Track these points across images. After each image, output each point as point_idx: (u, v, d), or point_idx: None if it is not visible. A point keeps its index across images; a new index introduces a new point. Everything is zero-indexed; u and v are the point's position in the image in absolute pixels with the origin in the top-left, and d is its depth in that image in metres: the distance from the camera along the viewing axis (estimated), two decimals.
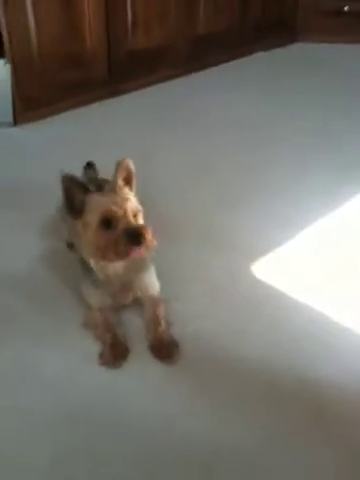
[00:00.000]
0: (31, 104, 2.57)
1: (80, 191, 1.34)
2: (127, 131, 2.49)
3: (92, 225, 1.32)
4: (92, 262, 1.40)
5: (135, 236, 1.28)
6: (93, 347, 1.43)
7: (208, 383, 1.37)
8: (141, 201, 1.42)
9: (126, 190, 1.38)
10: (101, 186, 1.65)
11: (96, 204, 1.34)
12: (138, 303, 1.52)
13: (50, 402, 1.31)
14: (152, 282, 1.50)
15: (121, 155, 1.48)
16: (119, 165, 1.39)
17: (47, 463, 1.19)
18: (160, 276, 1.55)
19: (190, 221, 1.93)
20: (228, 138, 2.46)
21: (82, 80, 2.69)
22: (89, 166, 1.97)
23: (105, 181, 1.71)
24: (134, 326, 1.50)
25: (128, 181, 1.41)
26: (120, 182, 1.39)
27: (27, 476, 1.17)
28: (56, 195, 1.76)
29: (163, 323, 1.46)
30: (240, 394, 1.34)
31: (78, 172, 1.92)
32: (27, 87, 2.53)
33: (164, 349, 1.40)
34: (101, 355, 1.40)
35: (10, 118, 2.53)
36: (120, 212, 1.30)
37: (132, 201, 1.36)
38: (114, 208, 1.31)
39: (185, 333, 1.47)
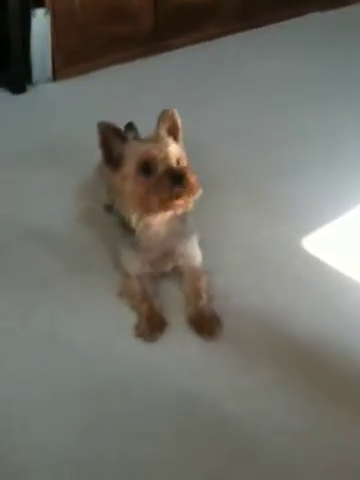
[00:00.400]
0: (71, 59, 2.39)
1: (118, 139, 1.23)
2: (172, 90, 2.33)
3: (131, 173, 1.21)
4: (133, 221, 1.26)
5: (177, 177, 1.17)
6: (129, 317, 1.34)
7: (251, 362, 1.26)
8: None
9: (170, 140, 1.26)
10: None
11: (135, 150, 1.22)
12: (177, 272, 1.42)
13: (80, 372, 1.24)
14: (194, 251, 1.39)
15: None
16: (163, 115, 1.27)
17: (73, 436, 1.12)
18: (202, 244, 1.43)
19: (236, 185, 1.79)
20: (279, 100, 2.28)
21: (126, 34, 2.51)
22: (129, 127, 1.85)
23: None
24: (172, 297, 1.40)
25: (172, 133, 1.28)
26: (163, 132, 1.26)
27: (52, 448, 1.10)
28: (95, 155, 1.68)
29: (204, 296, 1.35)
30: (286, 374, 1.24)
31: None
32: (68, 40, 2.36)
33: (205, 324, 1.30)
34: (137, 326, 1.31)
35: (49, 73, 2.40)
36: (160, 155, 1.18)
37: (175, 147, 1.24)
38: (154, 151, 1.19)
39: (228, 308, 1.37)
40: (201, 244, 1.43)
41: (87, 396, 1.19)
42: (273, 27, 2.90)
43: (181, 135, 1.30)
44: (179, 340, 1.30)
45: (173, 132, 1.29)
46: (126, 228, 1.32)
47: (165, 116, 1.27)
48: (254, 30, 2.86)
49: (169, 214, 1.26)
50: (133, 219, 1.27)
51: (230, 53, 2.67)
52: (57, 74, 2.44)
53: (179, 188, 1.17)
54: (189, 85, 2.40)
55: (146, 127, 1.78)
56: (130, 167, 1.22)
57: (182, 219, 1.32)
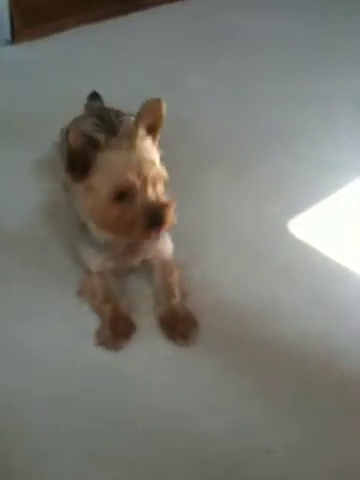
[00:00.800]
0: (32, 18, 2.21)
1: (91, 149, 1.05)
2: (148, 52, 2.11)
3: (101, 194, 1.06)
4: (93, 229, 1.14)
5: (156, 217, 1.05)
6: (90, 320, 1.17)
7: (229, 368, 1.11)
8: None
9: (148, 143, 1.08)
10: (110, 123, 1.36)
11: (109, 167, 1.06)
12: (147, 266, 1.25)
13: (36, 382, 1.08)
14: (164, 244, 1.22)
15: (139, 80, 1.16)
16: (144, 108, 1.07)
17: (28, 457, 0.97)
18: (176, 231, 1.24)
19: (216, 161, 1.60)
20: (269, 62, 2.06)
21: None
22: (94, 97, 1.66)
23: (117, 114, 1.41)
24: (142, 295, 1.23)
25: (153, 129, 1.10)
26: (142, 132, 1.08)
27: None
28: (56, 128, 1.50)
29: (177, 293, 1.19)
30: (269, 384, 1.09)
31: (81, 102, 1.62)
32: None
33: (177, 326, 1.14)
34: (99, 332, 1.14)
35: (7, 35, 2.17)
36: (138, 183, 1.04)
37: (154, 164, 1.07)
38: (131, 178, 1.03)
39: (205, 304, 1.21)
40: (175, 231, 1.24)
41: (44, 410, 1.04)
42: None
43: (159, 135, 1.13)
44: (148, 346, 1.13)
45: (153, 128, 1.10)
46: (83, 227, 1.16)
47: (146, 109, 1.08)
48: None
49: None
50: (92, 228, 1.13)
51: (215, 12, 2.42)
52: (16, 36, 2.21)
53: (156, 227, 1.06)
54: (166, 48, 2.16)
55: (116, 96, 1.60)
56: (100, 185, 1.06)
57: None
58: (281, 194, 1.51)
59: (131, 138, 1.08)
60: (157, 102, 1.08)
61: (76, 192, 1.13)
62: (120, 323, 1.14)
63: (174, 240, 1.25)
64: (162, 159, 1.41)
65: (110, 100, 1.60)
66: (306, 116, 1.80)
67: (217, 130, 1.72)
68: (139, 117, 1.08)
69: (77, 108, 1.57)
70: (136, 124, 1.08)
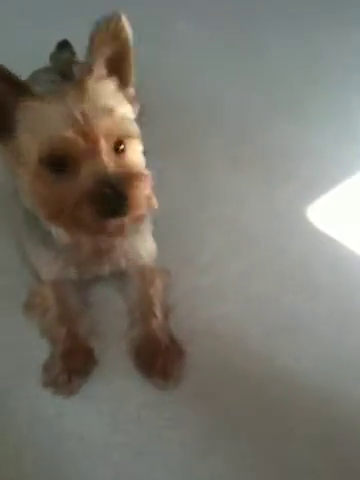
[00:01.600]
0: None
1: (12, 92, 0.68)
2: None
3: (29, 162, 0.68)
4: (43, 220, 0.78)
5: (113, 197, 0.65)
6: (37, 348, 0.85)
7: (219, 428, 0.80)
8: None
9: (108, 87, 0.72)
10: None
11: (37, 120, 0.68)
12: (119, 273, 0.91)
13: None
14: (145, 246, 0.89)
15: None
16: (99, 29, 0.69)
17: None
18: (161, 226, 0.94)
19: (215, 131, 1.26)
20: (285, 16, 1.67)
21: None
22: (63, 46, 1.29)
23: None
24: (110, 312, 0.90)
25: (117, 66, 0.72)
26: (99, 68, 0.71)
27: None
28: None
29: (158, 310, 0.87)
30: (268, 450, 0.79)
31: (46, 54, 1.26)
32: None
33: (157, 359, 0.83)
34: (47, 367, 0.83)
35: None
36: (82, 142, 0.65)
37: (112, 113, 0.69)
38: (70, 134, 0.65)
39: (194, 327, 0.90)
40: (160, 226, 0.93)
41: None
42: None
43: (131, 69, 0.74)
44: (114, 389, 0.82)
45: (118, 64, 0.72)
46: (33, 218, 0.79)
47: (103, 30, 0.69)
48: None
49: None
50: (42, 219, 0.77)
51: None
52: None
53: (116, 218, 0.67)
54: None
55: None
56: (28, 151, 0.68)
57: None
58: (291, 176, 1.17)
59: (80, 76, 0.72)
60: (117, 19, 0.69)
61: (4, 161, 0.74)
62: (77, 354, 0.82)
63: (157, 235, 0.93)
64: (141, 123, 1.08)
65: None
66: (324, 83, 1.43)
67: (213, 95, 1.35)
68: (91, 43, 0.69)
69: (43, 61, 1.22)
70: (89, 51, 0.71)
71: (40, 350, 0.84)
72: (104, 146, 0.66)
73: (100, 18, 0.69)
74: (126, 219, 0.68)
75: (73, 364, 0.81)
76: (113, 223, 0.67)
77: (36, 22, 1.57)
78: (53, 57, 1.28)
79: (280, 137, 1.24)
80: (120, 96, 0.73)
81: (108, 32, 0.69)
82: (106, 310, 0.90)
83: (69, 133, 0.65)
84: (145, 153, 1.11)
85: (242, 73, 1.43)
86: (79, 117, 0.65)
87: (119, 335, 0.87)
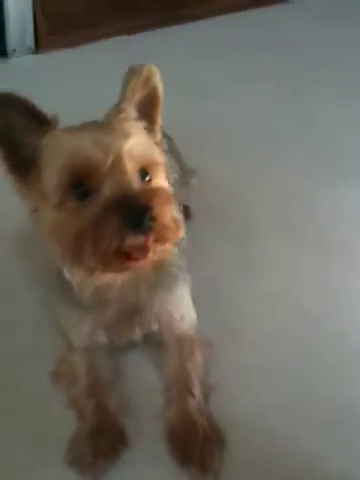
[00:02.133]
0: (59, 26, 1.95)
1: (31, 124, 0.67)
2: (185, 68, 1.79)
3: (52, 193, 0.65)
4: (64, 270, 0.73)
5: (136, 213, 0.61)
6: (61, 423, 0.77)
7: None
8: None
9: (134, 123, 0.70)
10: None
11: (60, 150, 0.65)
12: (154, 341, 0.84)
13: None
14: (180, 308, 0.82)
15: (171, 97, 0.81)
16: (130, 75, 0.70)
17: None
18: (204, 294, 0.88)
19: (268, 195, 1.21)
20: (328, 75, 1.69)
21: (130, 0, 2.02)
22: None
23: None
24: (144, 386, 0.82)
25: (147, 112, 0.72)
26: (130, 111, 0.70)
27: None
28: None
29: (197, 390, 0.78)
30: None
31: None
32: (55, 2, 1.90)
33: (194, 446, 0.72)
34: (72, 443, 0.74)
35: (31, 42, 1.92)
36: (107, 162, 0.63)
37: (139, 140, 0.67)
38: (95, 153, 0.63)
39: (236, 415, 0.79)
40: (203, 296, 0.87)
41: None
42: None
43: (159, 111, 0.74)
44: (144, 476, 0.72)
45: (148, 111, 0.73)
46: (60, 274, 0.75)
47: (134, 77, 0.70)
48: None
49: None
50: (63, 268, 0.72)
51: (262, 24, 2.09)
52: (41, 43, 1.94)
53: (139, 233, 0.62)
54: (202, 64, 1.83)
55: None
56: (50, 180, 0.66)
57: None
58: (352, 246, 1.09)
59: (109, 114, 0.71)
60: (148, 68, 0.70)
61: (28, 203, 0.71)
62: (105, 432, 0.74)
63: (198, 305, 0.86)
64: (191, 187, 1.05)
65: None
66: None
67: (263, 157, 1.33)
68: (124, 88, 0.70)
69: None
70: (121, 98, 0.70)
71: (67, 424, 0.76)
72: (129, 167, 0.64)
73: (133, 65, 0.71)
74: (150, 238, 0.62)
75: (100, 443, 0.72)
76: (136, 241, 0.61)
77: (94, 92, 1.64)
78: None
79: (336, 202, 1.18)
80: (147, 135, 0.71)
81: (140, 78, 0.69)
82: (140, 384, 0.82)
83: (93, 151, 0.63)
84: (191, 216, 1.08)
85: (294, 131, 1.43)
86: (104, 139, 0.64)
87: (153, 414, 0.77)
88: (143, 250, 0.63)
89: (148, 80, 0.70)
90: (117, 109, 0.70)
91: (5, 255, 1.05)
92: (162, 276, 0.77)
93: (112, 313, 0.76)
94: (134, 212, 0.60)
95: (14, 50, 1.89)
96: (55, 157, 0.66)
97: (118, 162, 0.63)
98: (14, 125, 0.66)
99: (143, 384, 0.82)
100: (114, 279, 0.72)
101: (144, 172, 0.66)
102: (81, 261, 0.64)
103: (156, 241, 0.63)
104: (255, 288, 1.00)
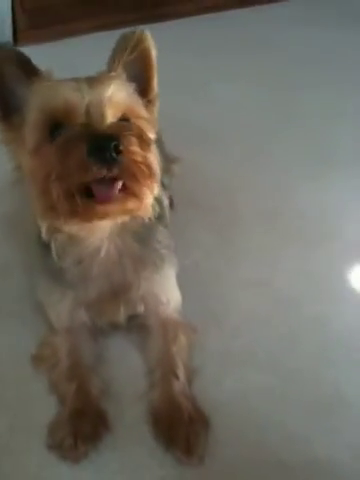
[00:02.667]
0: (40, 19, 1.94)
1: (20, 74, 0.66)
2: (169, 64, 1.79)
3: (32, 137, 0.65)
4: (42, 228, 0.71)
5: (101, 143, 0.59)
6: (43, 405, 0.75)
7: None
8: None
9: (119, 80, 0.68)
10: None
11: (41, 92, 0.66)
12: (137, 324, 0.83)
13: None
14: (168, 290, 0.82)
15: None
16: (123, 39, 0.69)
17: None
18: (189, 280, 0.87)
19: (253, 185, 1.22)
20: (311, 74, 1.72)
21: None
22: None
23: None
24: (127, 369, 0.81)
25: (142, 75, 0.71)
26: (117, 68, 0.69)
27: None
28: None
29: (181, 372, 0.77)
30: None
31: None
32: None
33: (180, 429, 0.71)
34: (52, 428, 0.72)
35: (8, 36, 1.89)
36: (82, 103, 0.62)
37: (121, 90, 0.66)
38: (71, 95, 0.63)
39: (220, 398, 0.78)
40: (187, 282, 0.86)
41: None
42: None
43: (155, 83, 0.72)
44: (128, 460, 0.70)
45: (142, 75, 0.71)
46: (45, 250, 0.74)
47: (126, 41, 0.69)
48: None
49: (110, 221, 0.68)
50: (42, 227, 0.70)
51: (246, 23, 2.12)
52: (19, 37, 1.93)
53: (102, 165, 0.59)
54: (190, 59, 1.84)
55: None
56: (31, 126, 0.66)
57: (146, 230, 0.75)
58: (333, 235, 1.10)
59: (97, 74, 0.69)
60: (139, 32, 0.69)
61: (11, 150, 0.70)
62: (86, 416, 0.72)
63: (184, 288, 0.85)
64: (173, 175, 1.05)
65: None
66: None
67: (250, 147, 1.35)
68: (115, 50, 0.69)
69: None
70: (110, 58, 0.70)
71: (48, 407, 0.74)
72: (107, 112, 0.62)
73: (125, 33, 0.70)
74: (115, 171, 0.60)
75: (81, 427, 0.71)
76: (99, 173, 0.59)
77: None
78: None
79: (319, 193, 1.19)
80: (135, 94, 0.69)
81: (130, 41, 0.69)
82: (123, 367, 0.80)
83: (70, 95, 0.63)
84: (173, 205, 1.07)
85: (277, 126, 1.44)
86: (84, 86, 0.64)
87: (136, 397, 0.76)
88: (108, 188, 0.61)
89: (139, 43, 0.69)
90: (106, 70, 0.69)
91: None
92: (149, 252, 0.76)
93: (95, 290, 0.75)
94: (97, 141, 0.59)
95: None
96: (35, 101, 0.66)
97: (96, 105, 0.62)
98: (6, 75, 0.67)
99: (125, 367, 0.81)
100: (97, 250, 0.71)
101: (125, 118, 0.65)
102: (50, 204, 0.62)
103: (125, 184, 0.62)
104: (238, 275, 1.00)
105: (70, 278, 0.74)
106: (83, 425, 0.71)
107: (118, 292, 0.76)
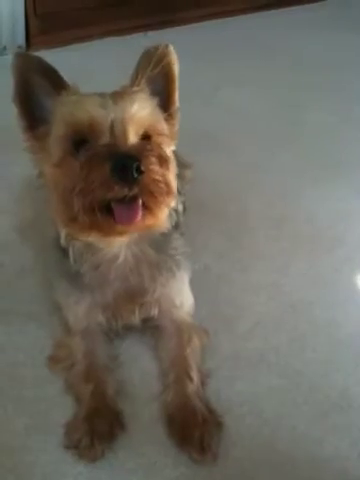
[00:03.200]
0: (52, 24, 1.97)
1: (47, 85, 0.69)
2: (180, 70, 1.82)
3: (54, 149, 0.67)
4: (62, 236, 0.74)
5: (124, 162, 0.62)
6: (59, 406, 0.78)
7: None
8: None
9: (143, 95, 0.70)
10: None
11: (67, 106, 0.68)
12: (151, 326, 0.85)
13: None
14: (182, 294, 0.84)
15: None
16: (147, 54, 0.71)
17: None
18: (201, 285, 0.90)
19: (262, 193, 1.23)
20: (320, 79, 1.74)
21: (126, 1, 2.04)
22: None
23: None
24: (141, 372, 0.83)
25: (163, 89, 0.73)
26: (141, 84, 0.71)
27: None
28: None
29: (195, 374, 0.79)
30: None
31: None
32: (47, 2, 1.90)
33: (194, 429, 0.73)
34: (69, 428, 0.74)
35: (21, 41, 1.92)
36: (107, 121, 0.65)
37: (145, 108, 0.68)
38: (96, 111, 0.65)
39: (236, 399, 0.80)
40: (200, 287, 0.89)
41: None
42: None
43: (176, 98, 0.74)
44: (143, 459, 0.72)
45: (164, 90, 0.73)
46: (63, 254, 0.76)
47: (149, 53, 0.71)
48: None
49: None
50: (61, 233, 0.73)
51: (256, 29, 2.14)
52: (32, 42, 1.95)
53: (124, 184, 0.62)
54: (200, 65, 1.86)
55: None
56: (56, 139, 0.68)
57: (163, 238, 0.77)
58: (341, 241, 1.12)
59: (121, 88, 0.71)
60: (163, 46, 0.71)
61: (35, 160, 0.73)
62: (102, 416, 0.74)
63: (195, 292, 0.87)
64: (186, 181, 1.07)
65: None
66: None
67: (258, 149, 1.38)
68: (139, 64, 0.71)
69: None
70: (135, 72, 0.71)
71: (64, 408, 0.77)
72: (130, 128, 0.65)
73: (149, 48, 0.72)
74: (135, 190, 0.62)
75: (97, 427, 0.73)
76: (121, 192, 0.61)
77: None
78: None
79: (327, 198, 1.21)
80: (157, 109, 0.71)
81: (153, 55, 0.71)
82: (137, 369, 0.83)
83: (95, 110, 0.65)
84: (185, 210, 1.09)
85: (286, 132, 1.46)
86: (109, 102, 0.66)
87: (150, 398, 0.78)
88: (129, 211, 0.64)
89: (162, 57, 0.71)
90: (129, 84, 0.71)
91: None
92: (165, 259, 0.78)
93: (111, 294, 0.77)
94: (121, 161, 0.61)
95: (4, 48, 1.91)
96: (61, 115, 0.68)
97: (120, 123, 0.65)
98: (33, 84, 0.69)
99: (139, 369, 0.83)
100: (116, 256, 0.73)
101: (147, 135, 0.67)
102: (71, 215, 0.64)
103: (143, 201, 0.65)
104: (248, 279, 1.02)
105: (87, 282, 0.76)
106: (99, 425, 0.73)
107: (134, 296, 0.79)
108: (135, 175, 0.61)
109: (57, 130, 0.68)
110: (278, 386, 0.83)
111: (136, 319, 0.82)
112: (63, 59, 1.85)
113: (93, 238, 0.69)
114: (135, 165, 0.61)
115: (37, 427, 0.75)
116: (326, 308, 0.97)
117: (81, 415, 0.74)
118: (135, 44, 1.95)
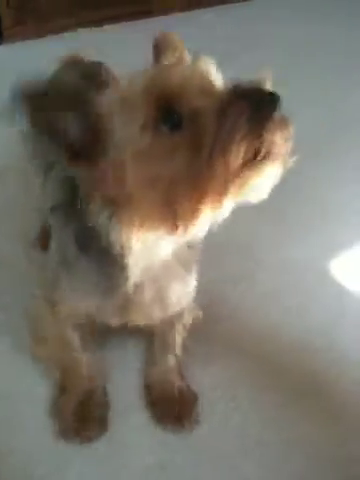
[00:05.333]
0: (26, 16, 2.00)
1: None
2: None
3: (135, 137, 0.55)
4: (124, 239, 0.62)
5: (266, 98, 0.54)
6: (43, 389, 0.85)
7: None
8: None
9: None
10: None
11: (133, 83, 0.58)
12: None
13: None
14: (187, 289, 0.79)
15: None
16: (161, 41, 0.68)
17: None
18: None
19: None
20: (313, 68, 1.81)
21: None
22: None
23: None
24: (127, 356, 0.91)
25: None
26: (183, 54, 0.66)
27: None
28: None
29: (179, 350, 0.86)
30: None
31: None
32: None
33: (171, 401, 0.82)
34: (56, 408, 0.82)
35: None
36: (195, 80, 0.56)
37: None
38: (176, 71, 0.58)
39: (209, 378, 0.89)
40: None
41: None
42: None
43: None
44: (132, 444, 0.80)
45: None
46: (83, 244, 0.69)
47: (165, 43, 0.68)
48: None
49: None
50: (124, 238, 0.62)
51: (231, 22, 2.19)
52: (5, 34, 1.99)
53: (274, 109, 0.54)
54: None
55: None
56: (126, 128, 0.56)
57: (189, 251, 0.72)
58: (315, 228, 1.20)
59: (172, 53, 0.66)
60: (171, 35, 0.69)
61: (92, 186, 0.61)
62: (92, 403, 0.81)
63: None
64: None
65: None
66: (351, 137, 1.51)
67: None
68: (157, 50, 0.66)
69: None
70: (158, 57, 0.66)
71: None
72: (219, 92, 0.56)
73: (159, 35, 0.70)
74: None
75: (87, 413, 0.80)
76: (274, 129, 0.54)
77: None
78: None
79: (301, 188, 1.26)
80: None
81: (168, 41, 0.68)
82: (126, 353, 0.90)
83: (175, 70, 0.57)
84: None
85: None
86: (188, 71, 0.58)
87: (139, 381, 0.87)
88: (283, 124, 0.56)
89: (176, 44, 0.68)
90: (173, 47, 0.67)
91: None
92: (183, 268, 0.74)
93: (121, 299, 0.72)
94: (263, 97, 0.54)
95: None
96: (128, 96, 0.57)
97: (212, 87, 0.57)
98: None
99: (129, 353, 0.91)
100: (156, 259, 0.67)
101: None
102: (175, 210, 0.55)
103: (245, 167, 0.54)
104: (222, 269, 1.07)
105: (101, 283, 0.70)
106: (89, 411, 0.80)
107: (156, 299, 0.74)
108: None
109: (129, 116, 0.55)
110: (250, 368, 0.91)
111: (139, 323, 0.79)
112: (38, 51, 1.92)
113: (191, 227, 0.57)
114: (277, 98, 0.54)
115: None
116: (298, 295, 1.05)
117: (70, 402, 0.80)
118: (110, 35, 2.01)
